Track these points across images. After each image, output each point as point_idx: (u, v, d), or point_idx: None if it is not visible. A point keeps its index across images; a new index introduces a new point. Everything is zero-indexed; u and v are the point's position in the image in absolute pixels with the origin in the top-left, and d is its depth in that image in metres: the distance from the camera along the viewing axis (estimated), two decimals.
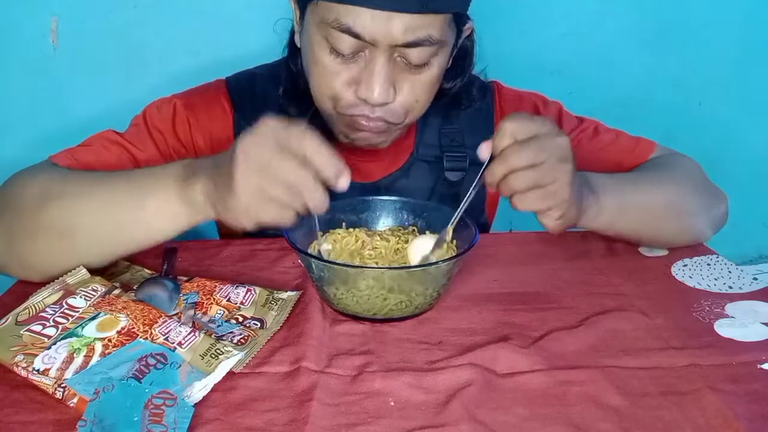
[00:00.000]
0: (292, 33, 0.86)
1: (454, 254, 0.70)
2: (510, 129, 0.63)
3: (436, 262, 0.68)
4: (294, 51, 0.86)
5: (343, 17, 0.72)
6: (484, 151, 0.65)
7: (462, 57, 0.88)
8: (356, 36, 0.72)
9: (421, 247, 0.71)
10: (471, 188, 0.68)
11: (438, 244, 0.70)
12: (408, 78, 0.77)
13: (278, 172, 0.57)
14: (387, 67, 0.75)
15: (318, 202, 0.59)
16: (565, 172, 0.64)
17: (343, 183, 0.59)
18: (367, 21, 0.71)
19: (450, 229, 0.70)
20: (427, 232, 0.76)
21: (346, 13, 0.71)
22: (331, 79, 0.77)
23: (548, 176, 0.64)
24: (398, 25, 0.71)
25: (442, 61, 0.79)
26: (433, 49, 0.75)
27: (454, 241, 0.72)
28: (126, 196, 0.67)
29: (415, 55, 0.75)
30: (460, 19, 0.80)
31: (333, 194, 0.60)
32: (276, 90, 0.90)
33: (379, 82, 0.74)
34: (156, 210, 0.66)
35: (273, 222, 0.60)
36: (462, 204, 0.69)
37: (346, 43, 0.73)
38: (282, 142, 0.57)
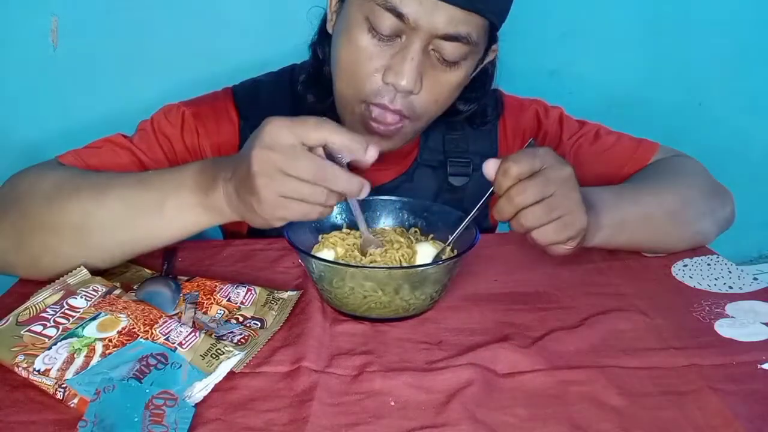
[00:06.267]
0: (323, 19, 0.87)
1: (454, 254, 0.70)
2: (513, 171, 0.63)
3: (436, 262, 0.68)
4: (323, 37, 0.86)
5: None
6: (490, 167, 0.65)
7: (482, 80, 0.88)
8: (399, 16, 0.73)
9: (422, 254, 0.71)
10: (473, 211, 0.69)
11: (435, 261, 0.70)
12: (435, 75, 0.77)
13: (296, 172, 0.57)
14: (420, 56, 0.75)
15: (347, 184, 0.59)
16: (576, 201, 0.65)
17: (371, 153, 0.60)
18: (414, 4, 0.72)
19: (448, 249, 0.71)
20: (430, 236, 0.76)
21: None
22: (362, 61, 0.77)
23: (561, 207, 0.64)
24: (443, 16, 0.72)
25: (468, 68, 0.80)
26: (467, 49, 0.76)
27: (454, 249, 0.72)
28: (143, 201, 0.67)
29: (450, 50, 0.75)
30: (492, 34, 0.81)
31: None
32: (281, 97, 0.91)
33: (410, 69, 0.74)
34: (175, 216, 0.66)
35: (303, 218, 0.61)
36: (462, 226, 0.69)
37: (387, 23, 0.73)
38: (294, 140, 0.57)
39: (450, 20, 0.73)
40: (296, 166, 0.57)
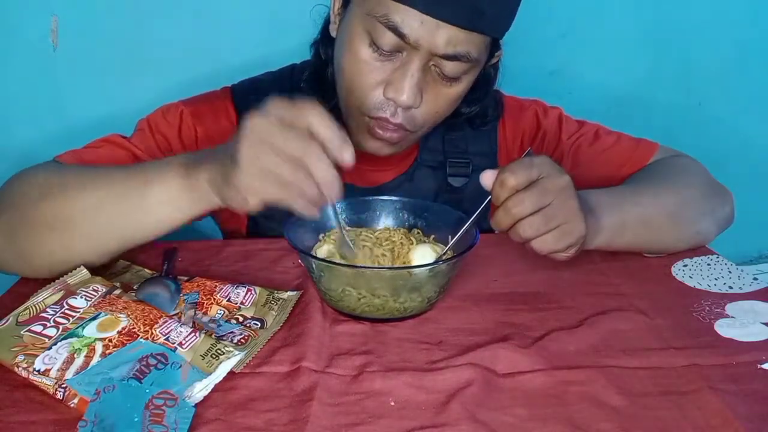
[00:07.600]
0: (326, 21, 0.87)
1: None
2: (511, 182, 0.63)
3: (436, 263, 0.68)
4: (325, 38, 0.87)
5: (392, 14, 0.72)
6: (487, 178, 0.65)
7: (484, 83, 0.89)
8: (401, 36, 0.73)
9: (421, 257, 0.71)
10: (470, 219, 0.69)
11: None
12: (436, 89, 0.78)
13: (282, 145, 0.56)
14: (420, 73, 0.75)
15: (325, 173, 0.56)
16: (574, 209, 0.65)
17: (347, 157, 0.57)
18: (416, 24, 0.72)
19: (449, 252, 0.70)
20: (431, 237, 0.76)
21: (396, 11, 0.72)
22: (364, 74, 0.77)
23: (559, 216, 0.64)
24: (443, 36, 0.72)
25: (469, 81, 0.80)
26: (468, 66, 0.77)
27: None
28: (126, 188, 0.67)
29: (450, 68, 0.76)
30: (494, 45, 0.81)
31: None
32: (280, 96, 0.90)
33: (410, 85, 0.75)
34: (157, 199, 0.65)
35: (278, 200, 0.58)
36: (459, 234, 0.69)
37: (388, 40, 0.74)
38: (287, 118, 0.57)
39: (450, 40, 0.73)
40: (283, 140, 0.56)
